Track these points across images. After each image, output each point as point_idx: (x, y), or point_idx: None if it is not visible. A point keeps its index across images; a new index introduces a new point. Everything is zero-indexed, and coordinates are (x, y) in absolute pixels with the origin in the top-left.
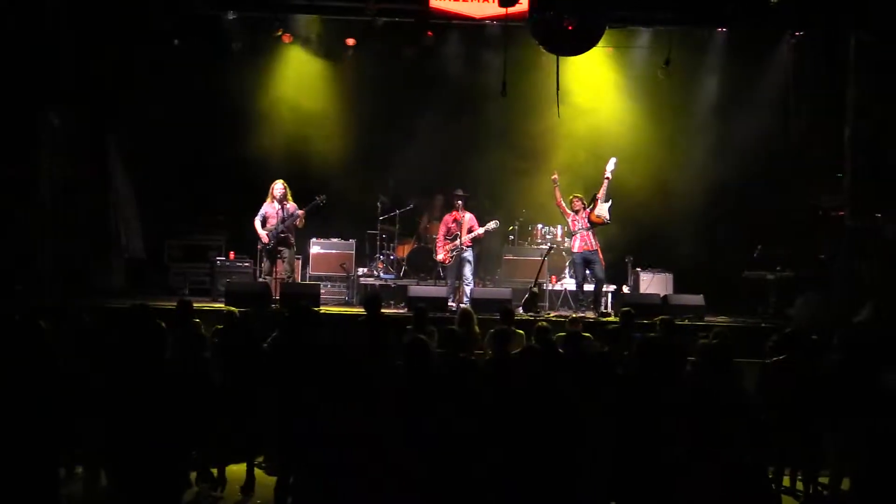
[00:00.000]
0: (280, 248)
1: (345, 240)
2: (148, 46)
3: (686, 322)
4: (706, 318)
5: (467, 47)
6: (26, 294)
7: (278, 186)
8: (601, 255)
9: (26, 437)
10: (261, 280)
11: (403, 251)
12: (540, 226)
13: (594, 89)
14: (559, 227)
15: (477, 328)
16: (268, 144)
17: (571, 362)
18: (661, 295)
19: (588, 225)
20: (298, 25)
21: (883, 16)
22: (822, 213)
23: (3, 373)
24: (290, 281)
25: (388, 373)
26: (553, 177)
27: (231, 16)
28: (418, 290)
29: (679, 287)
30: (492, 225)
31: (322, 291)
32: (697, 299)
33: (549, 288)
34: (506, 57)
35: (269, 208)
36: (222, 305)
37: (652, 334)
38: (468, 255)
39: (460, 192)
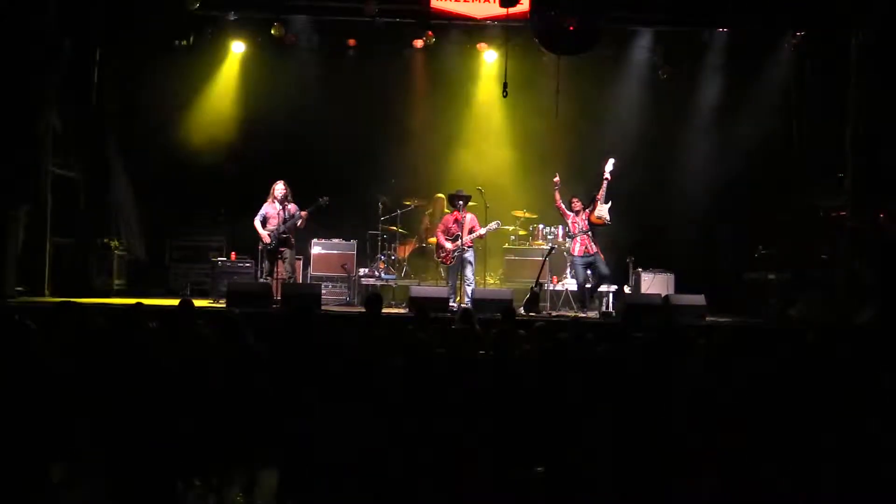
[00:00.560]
0: (281, 249)
1: (346, 240)
2: (149, 46)
3: (687, 322)
4: (707, 319)
5: (468, 47)
6: (26, 294)
7: (279, 187)
8: (602, 256)
9: (13, 440)
10: (262, 280)
11: (405, 251)
12: (541, 226)
13: (594, 90)
14: (560, 227)
15: (478, 328)
16: (268, 145)
17: (575, 363)
18: (663, 295)
19: (587, 227)
20: (299, 26)
21: (883, 16)
22: (823, 214)
23: None
24: (292, 281)
25: (389, 373)
26: (554, 179)
27: (232, 16)
28: (419, 290)
29: (680, 287)
30: (493, 225)
31: (323, 292)
32: (699, 299)
33: (551, 288)
34: (506, 57)
35: (270, 209)
36: (223, 305)
37: (653, 334)
38: (469, 255)
39: (461, 193)
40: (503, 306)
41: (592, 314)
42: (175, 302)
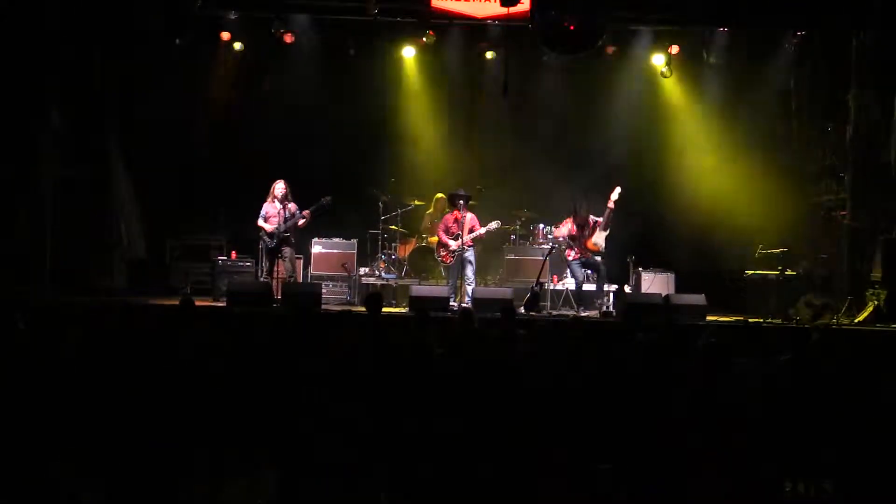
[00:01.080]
0: (282, 248)
1: (346, 239)
2: (148, 46)
3: (687, 322)
4: (707, 318)
5: (468, 47)
6: (26, 294)
7: (280, 186)
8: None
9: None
10: (262, 280)
11: (405, 251)
12: (542, 226)
13: (594, 89)
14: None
15: (478, 328)
16: (268, 144)
17: (579, 363)
18: (663, 294)
19: (580, 254)
20: (299, 25)
21: (883, 16)
22: (824, 213)
23: None
24: (292, 281)
25: (389, 373)
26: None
27: (232, 16)
28: (420, 289)
29: (681, 287)
30: (493, 225)
31: (323, 291)
32: (699, 299)
33: (551, 287)
34: (507, 57)
35: (271, 208)
36: (223, 305)
37: (654, 334)
38: (470, 255)
39: (461, 192)
40: (503, 306)
41: (592, 314)
42: (175, 301)
